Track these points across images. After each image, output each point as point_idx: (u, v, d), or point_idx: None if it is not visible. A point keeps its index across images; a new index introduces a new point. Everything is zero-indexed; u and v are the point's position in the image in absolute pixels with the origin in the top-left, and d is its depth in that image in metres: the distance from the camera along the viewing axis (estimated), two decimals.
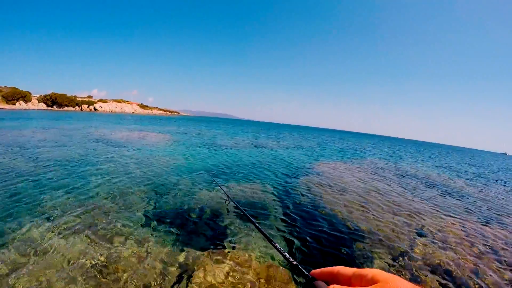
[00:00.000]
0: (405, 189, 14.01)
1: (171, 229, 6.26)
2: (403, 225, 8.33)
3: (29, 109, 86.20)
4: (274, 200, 9.31)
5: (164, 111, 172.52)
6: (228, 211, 7.76)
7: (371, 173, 18.02)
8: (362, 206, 9.72)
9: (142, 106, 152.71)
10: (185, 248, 5.43)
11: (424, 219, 9.12)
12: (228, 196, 3.20)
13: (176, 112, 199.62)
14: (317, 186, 12.06)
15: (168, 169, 12.61)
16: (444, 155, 58.34)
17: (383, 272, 0.52)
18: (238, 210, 7.71)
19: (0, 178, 9.18)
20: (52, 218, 6.30)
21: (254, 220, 1.30)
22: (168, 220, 6.80)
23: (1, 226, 5.74)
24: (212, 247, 5.62)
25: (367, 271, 0.54)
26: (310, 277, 0.63)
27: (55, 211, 6.75)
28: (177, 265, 4.87)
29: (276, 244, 0.98)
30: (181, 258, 5.10)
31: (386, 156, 33.61)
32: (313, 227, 7.34)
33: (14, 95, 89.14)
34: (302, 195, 10.34)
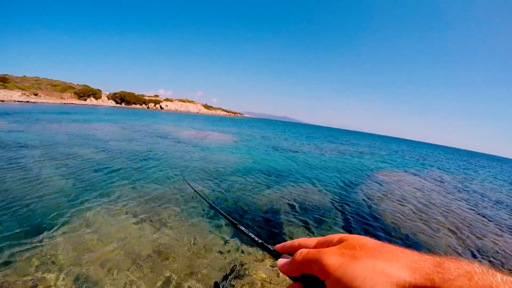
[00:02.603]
0: (479, 207, 12.55)
1: (227, 223, 6.46)
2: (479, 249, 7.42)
3: (99, 105, 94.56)
4: (331, 205, 9.20)
5: (228, 112, 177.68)
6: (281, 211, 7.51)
7: (445, 188, 16.57)
8: (424, 222, 8.90)
9: (206, 106, 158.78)
10: (237, 242, 5.69)
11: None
12: (198, 193, 2.93)
13: (239, 113, 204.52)
14: (382, 197, 11.34)
15: (229, 168, 12.90)
16: None
17: (348, 234, 0.53)
18: (296, 216, 7.44)
19: (74, 166, 10.12)
20: (118, 205, 6.86)
21: (217, 208, 1.21)
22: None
23: (72, 211, 6.32)
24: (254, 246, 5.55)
25: (333, 236, 0.56)
26: (275, 252, 0.66)
27: (121, 199, 7.35)
28: (230, 257, 5.14)
29: (241, 227, 0.95)
30: (233, 250, 5.41)
31: (459, 170, 31.01)
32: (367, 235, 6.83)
33: (86, 92, 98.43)
34: (363, 202, 10.10)
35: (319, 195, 10.13)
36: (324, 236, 0.58)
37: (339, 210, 8.78)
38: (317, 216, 7.99)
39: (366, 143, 55.04)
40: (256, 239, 0.78)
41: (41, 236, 5.07)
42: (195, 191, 2.03)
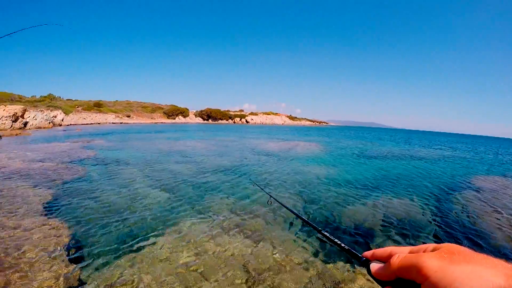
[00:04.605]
0: None
1: (318, 238, 6.30)
2: None
3: (187, 123, 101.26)
4: (423, 216, 8.61)
5: (312, 121, 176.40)
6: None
7: None
8: None
9: (291, 117, 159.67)
10: (324, 253, 5.65)
11: None
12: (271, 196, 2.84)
13: (324, 122, 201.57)
14: (481, 208, 9.99)
15: (315, 178, 12.65)
16: None
17: (443, 243, 0.57)
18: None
19: (168, 181, 10.97)
20: (207, 218, 7.20)
21: (295, 211, 1.44)
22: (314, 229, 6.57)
23: (166, 223, 6.80)
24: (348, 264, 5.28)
25: (427, 245, 0.59)
26: (364, 259, 0.69)
27: (212, 211, 7.70)
28: (317, 269, 5.07)
29: (325, 233, 1.03)
30: (319, 261, 5.35)
31: None
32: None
33: (174, 111, 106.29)
34: (459, 213, 9.18)
35: (411, 205, 9.46)
36: (415, 246, 0.61)
37: (432, 222, 8.14)
38: (407, 227, 7.58)
39: (461, 146, 49.81)
40: (343, 245, 0.85)
41: (137, 245, 5.54)
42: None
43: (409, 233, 7.18)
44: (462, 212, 9.28)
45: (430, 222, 8.13)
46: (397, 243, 6.58)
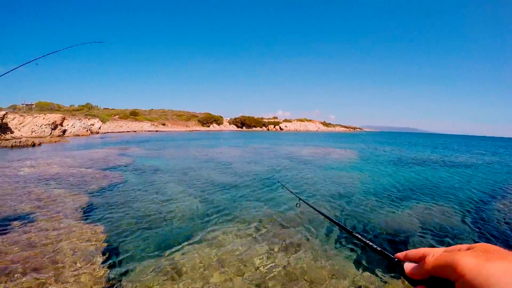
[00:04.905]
0: None
1: (353, 247, 6.11)
2: None
3: (221, 130, 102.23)
4: (462, 223, 8.23)
5: (346, 127, 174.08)
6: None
7: None
8: None
9: (325, 124, 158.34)
10: (369, 263, 5.44)
11: None
12: (300, 199, 2.87)
13: (358, 128, 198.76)
14: None
15: (354, 186, 12.17)
16: None
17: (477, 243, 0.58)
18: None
19: (202, 187, 11.00)
20: (239, 226, 7.07)
21: (326, 214, 1.53)
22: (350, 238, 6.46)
23: (200, 229, 6.73)
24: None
25: (460, 245, 0.59)
26: (396, 260, 0.71)
27: (243, 219, 7.55)
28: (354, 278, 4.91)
29: (357, 234, 1.05)
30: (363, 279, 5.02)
31: None
32: None
33: (208, 119, 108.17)
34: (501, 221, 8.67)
35: (449, 212, 9.07)
36: (449, 246, 0.62)
37: (471, 229, 7.75)
38: (445, 234, 7.29)
39: (503, 151, 46.88)
40: (375, 246, 0.87)
41: (171, 250, 5.54)
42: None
43: (445, 240, 6.89)
44: (504, 221, 8.64)
45: (469, 230, 7.74)
46: (429, 244, 6.44)
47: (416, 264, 0.64)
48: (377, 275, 4.98)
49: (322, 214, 1.66)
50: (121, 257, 5.23)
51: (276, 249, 5.78)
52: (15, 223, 6.56)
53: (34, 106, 63.87)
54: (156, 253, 5.44)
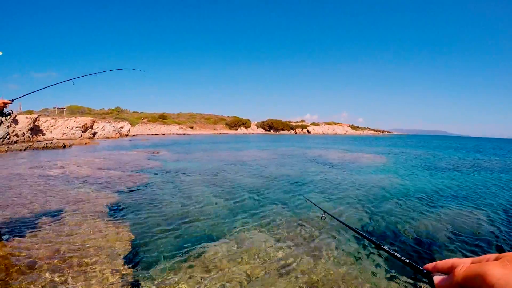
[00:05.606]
0: None
1: (379, 257, 5.89)
2: None
3: (249, 133, 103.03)
4: (497, 234, 7.62)
5: (375, 131, 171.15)
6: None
7: None
8: None
9: (353, 127, 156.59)
10: (398, 275, 5.20)
11: None
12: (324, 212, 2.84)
13: (387, 131, 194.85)
14: None
15: (384, 191, 11.64)
16: None
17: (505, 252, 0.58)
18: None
19: (228, 190, 11.00)
20: (264, 230, 6.97)
21: (353, 227, 1.56)
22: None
23: (222, 229, 6.79)
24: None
25: (488, 255, 0.60)
26: (426, 271, 0.71)
27: (268, 223, 7.47)
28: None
29: (384, 247, 1.07)
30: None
31: None
32: None
33: (236, 123, 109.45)
34: None
35: (484, 220, 8.47)
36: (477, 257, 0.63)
37: (506, 239, 7.22)
38: (477, 243, 6.85)
39: None
40: (403, 258, 0.89)
41: (194, 254, 5.45)
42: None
43: (477, 249, 6.54)
44: None
45: (505, 239, 7.25)
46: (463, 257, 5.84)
47: (445, 276, 0.64)
48: (406, 284, 4.82)
49: (348, 226, 1.69)
50: (144, 256, 5.27)
51: (297, 256, 5.63)
52: (44, 220, 6.72)
53: (65, 109, 66.44)
54: (179, 253, 5.44)
